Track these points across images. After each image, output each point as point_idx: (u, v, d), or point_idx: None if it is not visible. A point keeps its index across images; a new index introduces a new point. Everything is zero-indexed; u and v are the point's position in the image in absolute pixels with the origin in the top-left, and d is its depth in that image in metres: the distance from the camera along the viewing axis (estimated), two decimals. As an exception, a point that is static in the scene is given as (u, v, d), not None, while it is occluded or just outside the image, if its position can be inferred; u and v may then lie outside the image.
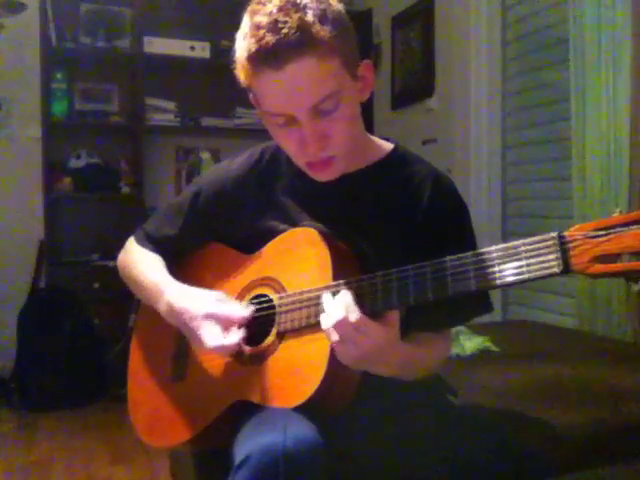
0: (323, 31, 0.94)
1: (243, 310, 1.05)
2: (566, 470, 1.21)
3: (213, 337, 1.02)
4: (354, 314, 0.88)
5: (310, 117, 0.96)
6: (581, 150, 2.26)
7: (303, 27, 0.92)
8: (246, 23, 0.98)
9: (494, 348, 1.89)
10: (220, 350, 1.02)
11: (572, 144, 2.31)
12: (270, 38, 0.92)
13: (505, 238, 2.92)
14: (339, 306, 0.89)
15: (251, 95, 1.07)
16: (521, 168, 2.90)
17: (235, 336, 1.01)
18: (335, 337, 0.89)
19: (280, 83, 0.94)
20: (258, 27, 0.93)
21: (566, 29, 2.37)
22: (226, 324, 1.03)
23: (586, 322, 2.25)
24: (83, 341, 3.27)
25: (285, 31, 0.92)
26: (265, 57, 0.93)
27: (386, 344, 0.91)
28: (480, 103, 2.98)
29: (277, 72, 0.93)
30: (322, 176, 1.05)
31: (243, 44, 0.97)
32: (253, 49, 0.94)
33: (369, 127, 1.11)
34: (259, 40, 0.93)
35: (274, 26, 0.92)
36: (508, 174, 2.98)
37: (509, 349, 1.88)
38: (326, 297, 0.93)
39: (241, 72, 0.99)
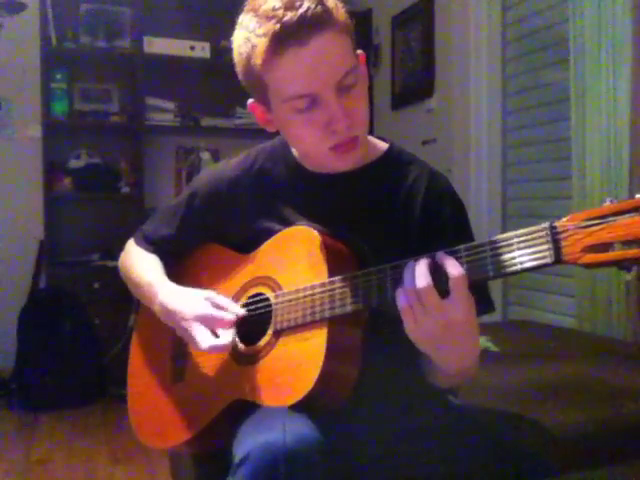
0: (338, 9, 0.98)
1: (234, 310, 1.06)
2: (566, 470, 1.21)
3: (205, 339, 1.02)
4: (457, 268, 0.84)
5: (336, 93, 0.96)
6: (581, 150, 2.26)
7: (321, 3, 0.95)
8: (250, 18, 0.97)
9: (494, 348, 1.88)
10: (213, 351, 1.02)
11: (572, 144, 2.31)
12: (292, 14, 0.93)
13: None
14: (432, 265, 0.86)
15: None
16: (521, 168, 2.90)
17: (227, 336, 1.02)
18: (405, 304, 0.87)
19: (306, 59, 0.94)
20: (274, 9, 0.94)
21: (566, 29, 2.37)
22: (217, 325, 1.03)
23: (586, 322, 2.25)
24: (83, 341, 3.28)
25: (307, 4, 0.93)
26: (290, 34, 0.93)
27: (463, 327, 0.88)
28: (480, 103, 2.97)
29: (302, 48, 0.93)
30: (346, 159, 1.03)
31: (257, 32, 0.95)
32: (277, 28, 0.93)
33: (369, 127, 1.11)
34: (280, 19, 0.93)
35: (292, 4, 0.93)
36: (508, 174, 2.98)
37: (509, 349, 1.88)
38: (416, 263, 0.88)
39: (257, 60, 0.97)
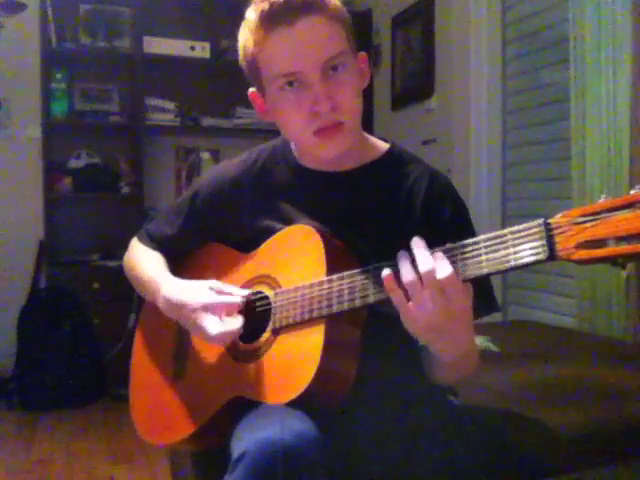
0: None
1: (238, 295, 1.06)
2: (566, 470, 1.21)
3: (213, 326, 1.02)
4: (445, 268, 0.85)
5: (321, 75, 0.99)
6: (581, 150, 2.26)
7: None
8: (250, 9, 1.03)
9: (494, 348, 1.88)
10: (223, 337, 1.02)
11: (572, 144, 2.31)
12: None
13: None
14: (427, 257, 0.86)
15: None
16: (521, 168, 2.90)
17: (236, 321, 1.02)
18: (399, 295, 0.86)
19: (292, 38, 0.99)
20: None
21: (566, 29, 2.38)
22: (224, 310, 1.04)
23: (586, 322, 2.25)
24: (83, 341, 3.28)
25: None
26: (277, 14, 0.98)
27: (463, 314, 0.87)
28: (480, 103, 2.98)
29: (289, 28, 0.98)
30: (330, 146, 1.04)
31: (252, 16, 1.02)
32: (265, 8, 0.99)
33: (369, 127, 1.11)
34: (270, 0, 0.98)
35: None
36: (508, 174, 2.98)
37: (509, 349, 1.88)
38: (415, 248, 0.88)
39: (250, 42, 1.03)
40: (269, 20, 0.99)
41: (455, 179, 2.86)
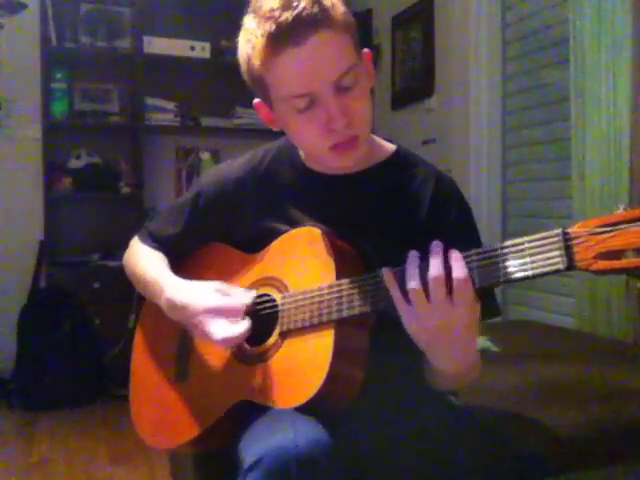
0: (335, 8, 0.98)
1: (244, 297, 1.05)
2: (566, 470, 1.21)
3: (219, 330, 1.01)
4: (460, 270, 0.84)
5: (334, 92, 0.97)
6: (581, 150, 2.26)
7: (317, 2, 0.95)
8: (251, 19, 0.99)
9: (494, 348, 1.88)
10: (228, 342, 1.01)
11: (572, 144, 2.31)
12: (288, 14, 0.94)
13: (505, 238, 2.92)
14: (439, 262, 0.85)
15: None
16: (521, 168, 2.90)
17: (241, 325, 1.01)
18: (398, 294, 0.87)
19: (302, 58, 0.95)
20: (272, 10, 0.95)
21: (566, 29, 2.37)
22: (229, 314, 1.03)
23: (586, 322, 2.25)
24: (83, 341, 3.27)
25: (303, 4, 0.94)
26: (286, 34, 0.94)
27: (465, 329, 0.87)
28: (480, 103, 2.97)
29: (298, 47, 0.94)
30: (346, 159, 1.04)
31: (256, 33, 0.97)
32: (273, 28, 0.94)
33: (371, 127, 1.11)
34: (277, 19, 0.94)
35: (289, 4, 0.94)
36: (508, 174, 2.98)
37: (509, 349, 1.88)
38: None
39: (256, 61, 0.99)
40: (277, 41, 0.95)
41: (455, 179, 2.85)
